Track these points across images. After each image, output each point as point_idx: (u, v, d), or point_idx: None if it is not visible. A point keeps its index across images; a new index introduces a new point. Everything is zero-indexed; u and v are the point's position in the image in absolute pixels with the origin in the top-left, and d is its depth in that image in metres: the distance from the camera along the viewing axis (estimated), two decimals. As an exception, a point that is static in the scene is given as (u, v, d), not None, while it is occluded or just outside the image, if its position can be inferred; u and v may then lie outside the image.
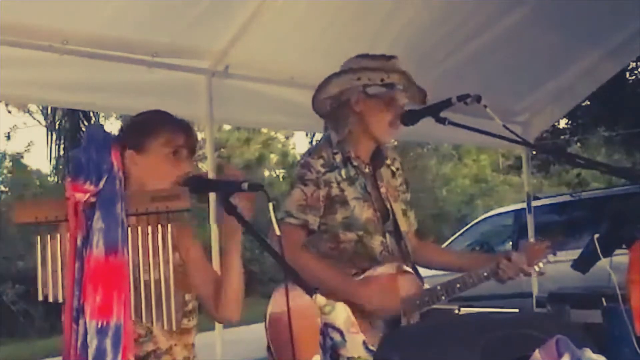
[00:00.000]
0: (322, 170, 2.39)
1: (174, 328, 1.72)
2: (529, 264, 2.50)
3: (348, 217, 2.40)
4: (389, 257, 2.45)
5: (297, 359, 1.83)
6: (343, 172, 2.42)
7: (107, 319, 1.59)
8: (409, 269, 2.45)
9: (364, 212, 2.42)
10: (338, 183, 2.41)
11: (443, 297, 2.41)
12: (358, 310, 2.30)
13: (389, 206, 2.50)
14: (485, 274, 2.49)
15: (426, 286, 2.47)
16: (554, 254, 2.54)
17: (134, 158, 1.83)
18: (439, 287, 2.42)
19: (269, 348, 2.28)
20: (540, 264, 2.54)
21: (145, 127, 1.91)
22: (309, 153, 2.47)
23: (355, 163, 2.45)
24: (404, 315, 2.35)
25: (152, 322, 1.68)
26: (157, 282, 1.67)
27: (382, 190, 2.51)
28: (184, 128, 1.93)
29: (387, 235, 2.47)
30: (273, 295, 2.27)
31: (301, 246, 2.35)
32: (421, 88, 2.49)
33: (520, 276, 2.53)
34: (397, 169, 2.62)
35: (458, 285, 2.45)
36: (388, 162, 2.58)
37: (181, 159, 1.89)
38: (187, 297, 1.93)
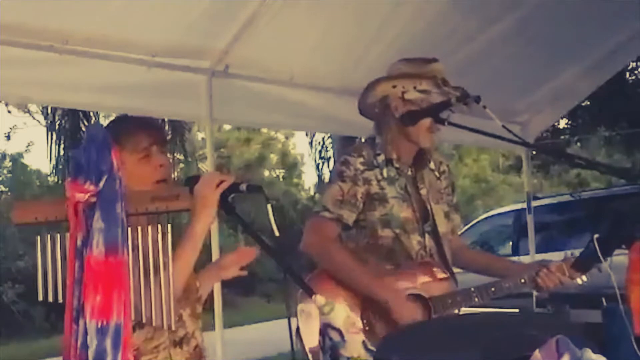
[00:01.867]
0: (361, 168, 2.47)
1: (173, 328, 1.73)
2: (572, 276, 2.49)
3: (386, 215, 2.46)
4: (425, 257, 2.49)
5: None
6: (384, 171, 2.49)
7: (107, 319, 1.59)
8: (442, 270, 2.47)
9: (402, 211, 2.47)
10: (378, 181, 2.47)
11: (476, 299, 2.43)
12: (377, 305, 2.35)
13: (429, 207, 2.54)
14: (523, 280, 2.48)
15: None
16: (600, 271, 2.49)
17: None
18: (472, 289, 2.44)
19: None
20: (584, 277, 2.52)
21: (113, 141, 1.90)
22: (350, 151, 2.55)
23: (396, 165, 2.51)
24: (435, 314, 2.37)
25: (151, 322, 1.68)
26: (157, 281, 1.67)
27: (423, 192, 2.55)
28: (145, 127, 1.95)
29: (426, 235, 2.51)
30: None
31: (334, 239, 2.44)
32: (459, 89, 2.48)
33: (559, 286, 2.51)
34: (443, 172, 2.66)
35: (493, 289, 2.45)
36: (432, 165, 2.62)
37: (153, 157, 1.92)
38: (198, 283, 2.01)
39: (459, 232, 2.77)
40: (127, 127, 1.95)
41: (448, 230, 2.59)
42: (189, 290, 1.92)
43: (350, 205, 2.43)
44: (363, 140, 2.68)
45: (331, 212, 2.43)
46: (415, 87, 2.45)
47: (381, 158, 2.50)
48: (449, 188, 2.67)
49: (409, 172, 2.56)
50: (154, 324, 1.69)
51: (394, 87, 2.47)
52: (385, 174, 2.48)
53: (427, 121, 2.45)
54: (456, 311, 2.48)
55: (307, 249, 2.45)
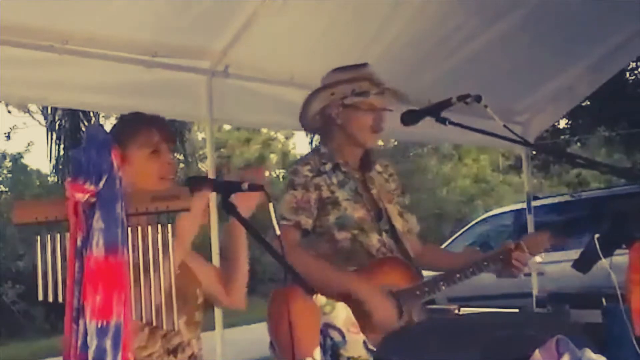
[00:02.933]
0: (310, 174, 2.50)
1: (175, 328, 1.73)
2: (531, 253, 2.55)
3: (341, 217, 2.47)
4: (387, 254, 2.49)
5: (297, 355, 1.91)
6: (333, 178, 2.52)
7: (107, 319, 1.59)
8: (405, 264, 2.49)
9: (356, 212, 2.49)
10: (328, 186, 2.50)
11: (443, 287, 2.47)
12: (354, 303, 2.32)
13: (382, 206, 2.57)
14: (485, 263, 2.54)
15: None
16: (560, 249, 2.54)
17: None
18: (438, 278, 2.48)
19: (271, 344, 2.33)
20: (543, 255, 2.59)
21: (120, 137, 1.94)
22: (297, 162, 2.61)
23: (344, 169, 2.55)
24: (405, 306, 2.39)
25: (152, 323, 1.68)
26: (157, 282, 1.67)
27: (374, 192, 2.59)
28: (156, 124, 1.99)
29: (384, 233, 2.53)
30: (272, 294, 2.35)
31: (295, 244, 2.43)
32: (393, 88, 2.60)
33: (520, 275, 2.58)
34: (390, 175, 2.71)
35: (458, 275, 2.50)
36: (379, 169, 2.68)
37: (161, 154, 1.96)
38: (198, 291, 2.02)
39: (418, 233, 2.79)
40: (139, 122, 1.99)
41: (406, 229, 2.62)
42: (186, 297, 1.92)
43: (305, 210, 2.45)
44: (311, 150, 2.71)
45: (288, 220, 2.44)
46: (353, 91, 2.52)
47: (328, 166, 2.54)
48: (399, 190, 2.71)
49: (357, 176, 2.59)
50: (154, 324, 1.69)
51: (333, 94, 2.54)
52: (334, 180, 2.52)
53: (369, 120, 2.52)
54: (456, 311, 2.49)
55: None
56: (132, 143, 1.93)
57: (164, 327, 1.69)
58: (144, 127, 1.96)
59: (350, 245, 2.46)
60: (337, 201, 2.48)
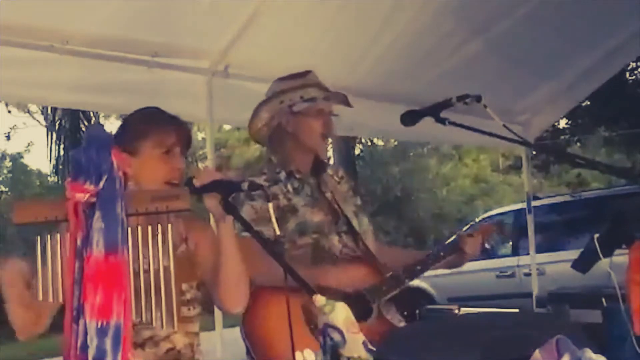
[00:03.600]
0: (266, 184, 2.48)
1: (175, 328, 1.73)
2: (482, 239, 2.67)
3: (300, 223, 2.49)
4: (350, 254, 2.53)
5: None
6: (289, 185, 2.54)
7: (107, 318, 1.59)
8: (369, 261, 2.53)
9: (314, 216, 2.52)
10: (285, 194, 2.51)
11: (407, 280, 2.50)
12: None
13: (337, 208, 2.60)
14: (442, 253, 2.61)
15: None
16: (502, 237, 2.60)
17: (127, 161, 1.84)
18: (401, 272, 2.51)
19: (248, 352, 2.33)
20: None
21: (136, 129, 1.95)
22: (252, 173, 2.63)
23: (298, 176, 2.57)
24: (374, 303, 2.41)
25: (151, 322, 1.68)
26: (157, 281, 1.67)
27: (328, 195, 2.61)
28: (175, 125, 1.97)
29: (343, 235, 2.56)
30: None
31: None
32: (339, 92, 2.66)
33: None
34: (342, 178, 2.74)
35: (418, 267, 2.55)
36: (330, 172, 2.70)
37: (174, 157, 1.95)
38: (185, 286, 1.98)
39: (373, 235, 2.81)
40: (159, 119, 1.98)
41: (362, 230, 2.64)
42: (166, 292, 1.90)
43: (265, 220, 2.37)
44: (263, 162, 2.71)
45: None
46: (302, 97, 2.55)
47: (282, 174, 2.55)
48: (351, 191, 2.73)
49: (311, 180, 2.61)
50: (153, 324, 1.69)
51: (281, 102, 2.56)
52: (290, 188, 2.53)
53: (318, 126, 2.54)
54: (456, 311, 2.49)
55: None
56: (147, 138, 1.92)
57: (164, 327, 1.69)
58: (162, 126, 1.95)
59: (312, 249, 2.48)
60: (295, 208, 2.50)
